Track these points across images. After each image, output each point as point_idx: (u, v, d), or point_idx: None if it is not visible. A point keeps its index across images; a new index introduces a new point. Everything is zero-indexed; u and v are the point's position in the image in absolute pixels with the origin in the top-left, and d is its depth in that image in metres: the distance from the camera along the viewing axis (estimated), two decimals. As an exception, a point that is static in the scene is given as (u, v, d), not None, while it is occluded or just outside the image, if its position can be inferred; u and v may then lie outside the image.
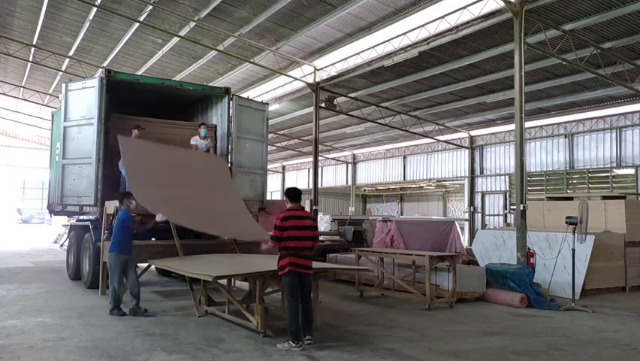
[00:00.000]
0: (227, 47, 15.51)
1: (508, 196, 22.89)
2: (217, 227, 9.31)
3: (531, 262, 10.36)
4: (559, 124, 20.94)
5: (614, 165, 19.11)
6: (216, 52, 15.97)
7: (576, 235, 9.45)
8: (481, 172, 24.39)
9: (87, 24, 15.94)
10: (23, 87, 25.48)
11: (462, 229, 20.59)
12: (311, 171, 25.45)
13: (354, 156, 32.47)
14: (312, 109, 18.60)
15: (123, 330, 6.83)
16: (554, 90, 17.27)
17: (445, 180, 29.05)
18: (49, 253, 18.55)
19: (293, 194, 6.72)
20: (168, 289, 10.77)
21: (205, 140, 10.88)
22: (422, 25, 13.50)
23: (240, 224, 9.66)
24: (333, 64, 16.83)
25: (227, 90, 11.72)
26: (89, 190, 10.01)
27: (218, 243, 9.83)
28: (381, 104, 19.92)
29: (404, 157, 28.86)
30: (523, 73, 10.53)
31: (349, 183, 32.53)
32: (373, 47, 15.20)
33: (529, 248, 10.49)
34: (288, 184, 38.32)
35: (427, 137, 23.78)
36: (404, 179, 29.15)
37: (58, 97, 17.99)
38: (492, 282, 9.99)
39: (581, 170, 20.25)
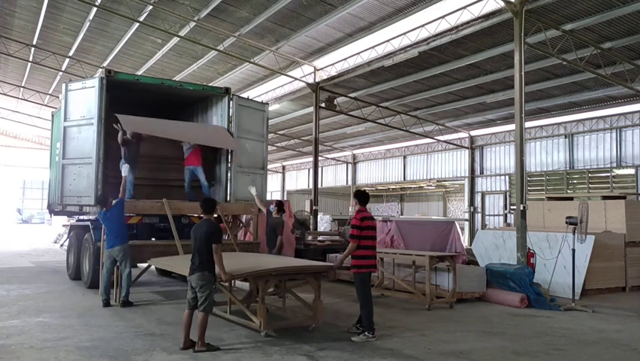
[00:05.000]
0: (227, 47, 15.51)
1: (508, 196, 22.89)
2: (187, 135, 10.41)
3: (531, 262, 10.37)
4: (559, 124, 20.94)
5: (614, 165, 19.11)
6: (216, 52, 15.97)
7: (576, 235, 9.44)
8: (481, 172, 24.39)
9: (87, 24, 15.94)
10: (23, 87, 25.48)
11: (462, 229, 20.60)
12: (311, 171, 25.45)
13: (354, 156, 32.47)
14: (312, 109, 18.59)
15: (123, 330, 6.83)
16: (554, 90, 17.27)
17: (445, 180, 29.04)
18: (49, 253, 18.55)
19: (363, 197, 7.11)
20: (168, 289, 10.76)
21: None
22: (422, 25, 13.50)
23: (214, 135, 10.52)
24: (333, 64, 16.83)
25: (227, 90, 11.70)
26: (89, 190, 10.00)
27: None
28: (381, 104, 19.93)
29: (404, 157, 28.85)
30: (523, 73, 10.53)
31: (349, 183, 32.52)
32: (373, 47, 15.20)
33: (529, 248, 10.49)
34: (288, 184, 38.36)
35: (427, 137, 23.79)
36: (404, 179, 29.14)
37: (58, 97, 17.97)
38: (492, 282, 9.98)
39: (581, 170, 20.25)
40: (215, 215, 9.82)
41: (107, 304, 8.40)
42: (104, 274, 8.63)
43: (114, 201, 8.67)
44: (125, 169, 9.37)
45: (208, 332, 6.09)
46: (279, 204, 10.03)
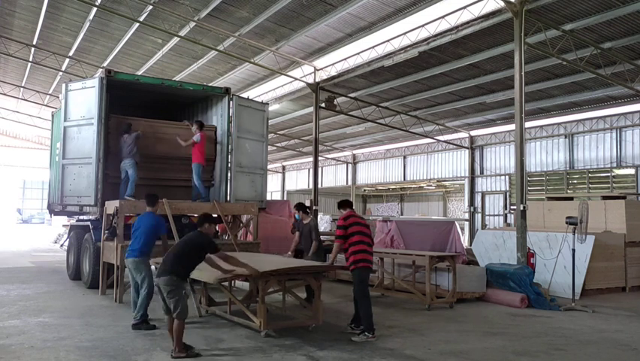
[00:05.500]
0: (227, 47, 15.50)
1: (508, 196, 22.88)
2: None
3: (531, 262, 10.37)
4: (559, 124, 20.94)
5: (614, 165, 19.11)
6: (216, 52, 15.96)
7: (576, 235, 9.44)
8: (481, 172, 24.38)
9: (87, 24, 15.93)
10: (23, 87, 25.47)
11: (462, 229, 20.58)
12: (311, 171, 25.45)
13: (354, 156, 32.46)
14: (312, 109, 18.59)
15: (123, 330, 6.83)
16: (554, 90, 17.27)
17: (445, 180, 29.04)
18: (49, 253, 18.55)
19: (346, 203, 7.37)
20: (168, 289, 10.75)
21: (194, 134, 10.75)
22: (422, 25, 13.49)
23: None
24: (333, 64, 16.81)
25: (227, 90, 11.72)
26: (89, 190, 10.01)
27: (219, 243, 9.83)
28: (381, 104, 19.92)
29: (404, 157, 28.85)
30: (523, 73, 10.52)
31: (349, 183, 32.52)
32: (373, 47, 15.19)
33: (529, 248, 10.49)
34: (288, 184, 38.36)
35: (427, 137, 23.77)
36: (404, 179, 29.14)
37: (58, 97, 17.98)
38: (492, 282, 9.98)
39: (581, 170, 20.25)
40: (215, 215, 9.86)
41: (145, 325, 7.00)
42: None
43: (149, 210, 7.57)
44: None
45: (208, 332, 6.10)
46: (301, 207, 9.09)
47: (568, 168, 20.59)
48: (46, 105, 26.89)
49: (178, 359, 5.61)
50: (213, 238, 6.14)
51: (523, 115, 10.59)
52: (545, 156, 21.45)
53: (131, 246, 7.20)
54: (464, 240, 19.32)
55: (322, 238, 15.24)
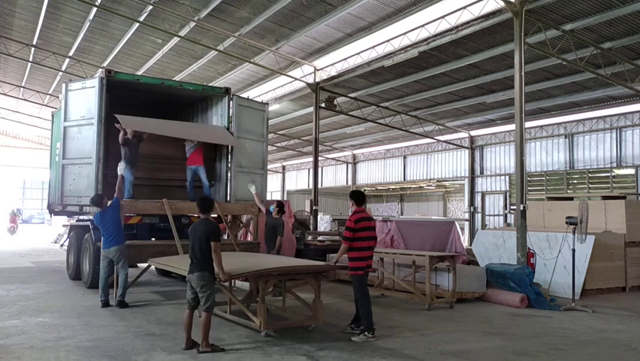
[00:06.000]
0: (227, 47, 15.51)
1: (508, 196, 22.89)
2: (187, 133, 10.86)
3: (531, 262, 10.37)
4: (559, 124, 20.94)
5: (614, 165, 19.12)
6: (216, 52, 15.97)
7: (576, 235, 9.44)
8: (481, 172, 24.39)
9: (87, 24, 15.94)
10: (23, 87, 25.48)
11: (462, 229, 20.59)
12: (311, 171, 25.44)
13: (354, 156, 32.47)
14: (312, 109, 18.60)
15: (123, 330, 6.83)
16: (554, 90, 17.28)
17: (445, 180, 29.04)
18: (49, 253, 18.55)
19: (359, 197, 7.10)
20: (168, 289, 10.76)
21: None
22: (422, 25, 13.50)
23: (214, 133, 11.09)
24: (333, 64, 16.82)
25: (227, 90, 11.71)
26: (89, 190, 10.00)
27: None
28: (382, 104, 19.93)
29: (404, 157, 28.85)
30: (523, 73, 10.53)
31: (349, 183, 32.52)
32: (373, 47, 15.20)
33: (529, 248, 10.49)
34: (288, 184, 38.36)
35: (427, 137, 23.79)
36: (404, 179, 29.14)
37: (58, 97, 17.97)
38: (492, 282, 9.98)
39: (581, 170, 20.25)
40: (215, 215, 9.88)
41: (105, 304, 8.36)
42: (102, 275, 8.57)
43: (109, 202, 8.66)
44: (120, 168, 9.34)
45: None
46: (280, 205, 10.01)
47: (568, 168, 20.60)
48: (46, 105, 26.89)
49: (204, 354, 5.75)
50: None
51: (523, 115, 10.59)
52: (545, 156, 21.46)
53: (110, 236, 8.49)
54: (464, 240, 19.33)
55: (322, 238, 15.38)
